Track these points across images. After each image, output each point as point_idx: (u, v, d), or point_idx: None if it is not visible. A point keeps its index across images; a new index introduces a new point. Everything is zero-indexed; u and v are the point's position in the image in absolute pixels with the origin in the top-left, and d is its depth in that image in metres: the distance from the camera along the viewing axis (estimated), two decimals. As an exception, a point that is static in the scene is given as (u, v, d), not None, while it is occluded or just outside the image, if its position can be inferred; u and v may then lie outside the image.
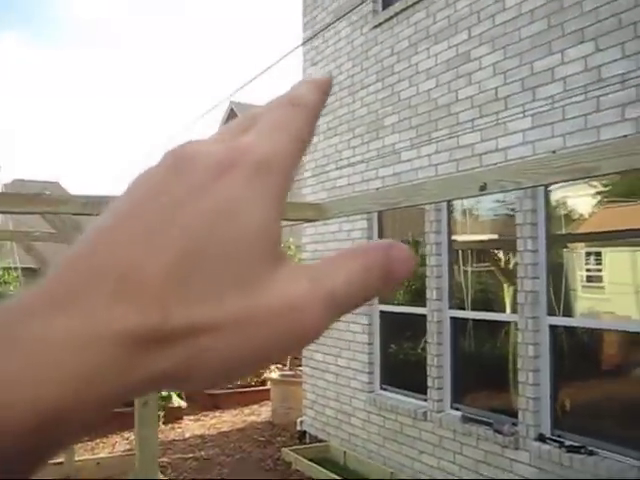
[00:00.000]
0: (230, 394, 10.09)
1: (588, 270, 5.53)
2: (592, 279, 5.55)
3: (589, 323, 5.26)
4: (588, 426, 5.02)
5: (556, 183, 3.57)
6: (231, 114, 18.65)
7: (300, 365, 9.03)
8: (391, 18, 6.89)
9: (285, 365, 10.46)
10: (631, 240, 5.02)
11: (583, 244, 5.50)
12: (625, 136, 4.48)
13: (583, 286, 5.52)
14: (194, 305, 0.23)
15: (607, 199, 5.31)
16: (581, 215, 5.51)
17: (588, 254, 5.54)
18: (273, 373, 9.96)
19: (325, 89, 0.30)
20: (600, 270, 5.48)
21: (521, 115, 5.35)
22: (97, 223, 0.25)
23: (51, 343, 0.22)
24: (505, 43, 5.55)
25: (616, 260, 5.43)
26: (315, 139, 8.12)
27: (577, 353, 5.39)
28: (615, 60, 4.65)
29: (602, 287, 5.49)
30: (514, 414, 5.43)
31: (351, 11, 7.19)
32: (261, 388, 10.31)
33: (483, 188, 2.73)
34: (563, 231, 5.47)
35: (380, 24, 7.06)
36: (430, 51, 6.39)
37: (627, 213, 5.23)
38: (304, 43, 8.28)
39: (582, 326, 5.31)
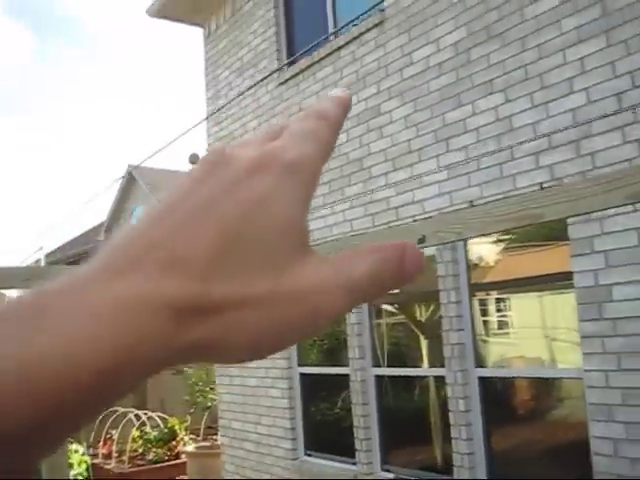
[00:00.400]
0: (141, 471, 9.43)
1: (501, 317, 5.54)
2: (507, 325, 5.56)
3: (519, 372, 5.22)
4: (527, 477, 4.91)
5: (501, 232, 3.49)
6: (129, 178, 18.16)
7: (216, 435, 8.58)
8: (297, 74, 6.85)
9: (199, 436, 9.94)
10: (538, 286, 5.08)
11: (496, 291, 5.51)
12: (541, 184, 4.52)
13: (500, 333, 5.51)
14: (231, 281, 0.26)
15: (512, 246, 5.34)
16: (495, 263, 5.53)
17: (499, 300, 5.56)
18: (188, 446, 9.43)
19: (346, 105, 0.34)
20: (509, 316, 5.51)
21: (436, 167, 5.34)
22: (149, 209, 0.28)
23: (110, 305, 0.24)
24: (415, 96, 5.57)
25: (526, 305, 5.46)
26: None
27: (508, 403, 5.31)
28: (524, 110, 4.72)
29: (517, 332, 5.50)
30: (449, 471, 5.26)
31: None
32: (176, 462, 9.69)
33: (422, 240, 2.57)
34: (481, 280, 5.45)
35: (286, 80, 7.01)
36: (339, 106, 6.34)
37: (529, 259, 5.30)
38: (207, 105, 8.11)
39: (511, 376, 5.26)
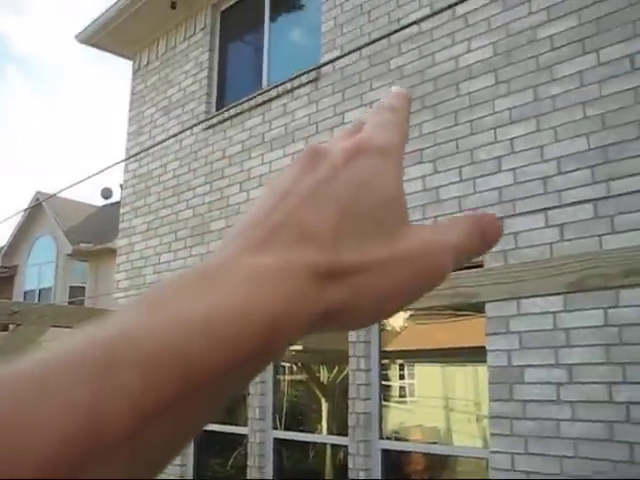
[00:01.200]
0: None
1: (408, 386, 5.47)
2: (413, 396, 5.49)
3: (425, 448, 5.10)
4: None
5: (433, 309, 3.38)
6: (36, 206, 17.41)
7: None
8: (225, 120, 6.71)
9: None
10: (452, 358, 5.04)
11: (410, 360, 5.45)
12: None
13: (407, 404, 5.44)
14: (355, 249, 0.29)
15: (428, 314, 5.30)
16: (409, 331, 5.46)
17: (411, 369, 5.50)
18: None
19: (409, 98, 0.38)
20: (417, 387, 5.46)
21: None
22: (259, 200, 0.31)
23: (260, 273, 0.26)
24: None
25: (438, 378, 5.42)
26: (133, 239, 7.58)
27: (411, 477, 5.17)
28: (452, 183, 4.73)
29: (426, 405, 5.43)
30: None
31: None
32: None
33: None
34: (393, 347, 5.35)
35: (213, 125, 6.85)
36: (264, 157, 6.23)
37: (446, 329, 5.27)
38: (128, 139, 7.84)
39: (416, 451, 5.13)
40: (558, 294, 3.21)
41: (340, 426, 5.37)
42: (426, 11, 5.11)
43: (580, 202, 4.00)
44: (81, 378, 0.21)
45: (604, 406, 3.73)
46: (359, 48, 4.82)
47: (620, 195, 3.86)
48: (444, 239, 0.32)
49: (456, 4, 4.36)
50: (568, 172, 4.10)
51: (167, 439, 0.23)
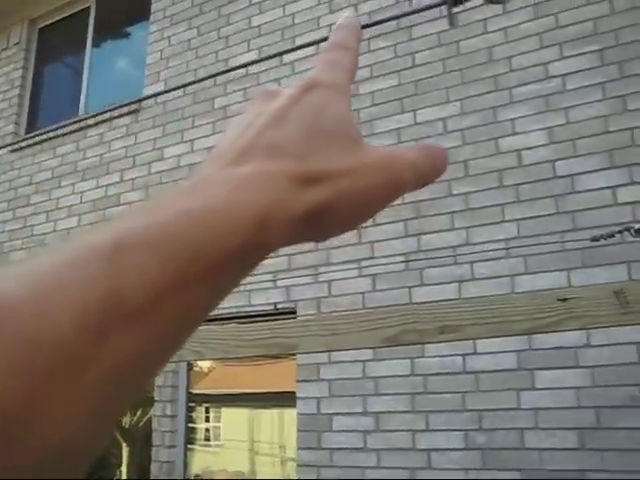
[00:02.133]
0: None
1: (209, 428, 5.33)
2: (214, 437, 5.36)
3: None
4: None
5: (248, 357, 3.24)
6: None
7: None
8: (35, 144, 6.26)
9: None
10: (262, 403, 4.99)
11: (219, 405, 5.32)
12: (275, 304, 4.47)
13: (213, 450, 5.29)
14: (324, 158, 0.31)
15: (240, 357, 5.22)
16: (219, 373, 5.35)
17: (207, 410, 5.37)
18: None
19: (358, 29, 0.40)
20: (222, 431, 5.35)
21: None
22: (227, 131, 0.34)
23: (242, 179, 0.28)
24: (159, 192, 5.33)
25: (247, 422, 5.34)
26: None
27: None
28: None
29: (222, 445, 5.32)
30: None
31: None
32: None
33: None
34: (201, 390, 5.19)
35: (21, 149, 6.37)
36: (75, 187, 5.88)
37: (257, 372, 5.23)
38: None
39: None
40: (374, 348, 3.28)
41: (142, 473, 5.09)
42: (253, 54, 5.13)
43: (392, 255, 4.14)
44: (95, 258, 0.22)
45: (407, 453, 3.82)
46: (184, 85, 4.71)
47: (429, 250, 4.04)
48: (403, 154, 0.34)
49: (283, 53, 4.41)
50: (382, 224, 4.23)
51: (176, 323, 0.24)
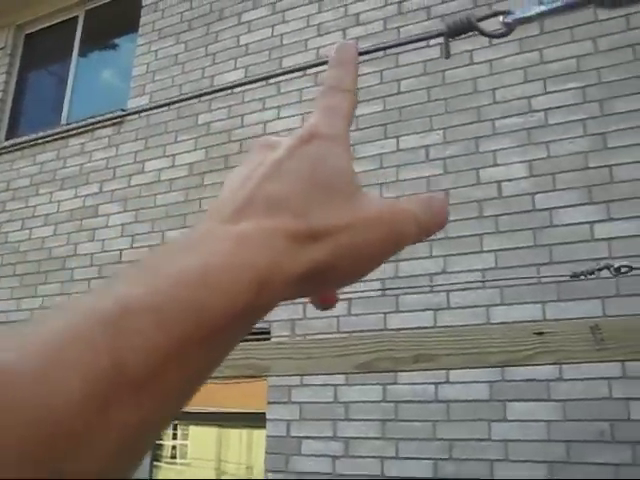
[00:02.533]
0: None
1: (175, 446, 5.27)
2: (180, 455, 5.29)
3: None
4: None
5: (228, 379, 3.21)
6: None
7: None
8: (15, 150, 6.20)
9: None
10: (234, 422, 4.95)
11: (178, 420, 5.26)
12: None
13: (174, 462, 5.22)
14: (324, 214, 0.30)
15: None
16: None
17: (175, 427, 5.31)
18: None
19: (355, 56, 0.40)
20: (187, 446, 5.28)
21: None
22: (222, 189, 0.33)
23: (242, 237, 0.27)
24: (138, 206, 5.29)
25: (206, 437, 5.28)
26: None
27: None
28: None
29: (188, 463, 5.26)
30: None
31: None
32: None
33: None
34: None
35: (0, 154, 6.29)
36: (53, 196, 5.82)
37: (228, 391, 5.18)
38: None
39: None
40: (347, 374, 3.26)
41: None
42: (240, 73, 5.14)
43: (369, 280, 4.13)
44: (98, 324, 0.22)
45: (375, 481, 3.79)
46: (168, 104, 4.70)
47: (406, 276, 4.04)
48: (406, 207, 0.34)
49: (269, 77, 4.43)
50: (361, 248, 4.23)
51: (177, 390, 0.23)
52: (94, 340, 0.21)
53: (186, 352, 0.23)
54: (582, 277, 1.37)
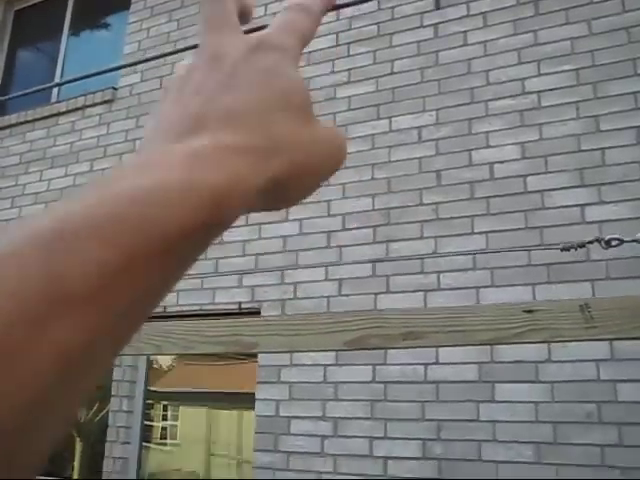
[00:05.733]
0: None
1: (165, 427, 5.27)
2: (170, 436, 5.29)
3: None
4: None
5: (208, 355, 3.17)
6: None
7: None
8: (4, 128, 6.14)
9: None
10: (222, 403, 4.95)
11: (168, 401, 5.26)
12: (240, 303, 4.43)
13: (168, 448, 5.23)
14: (281, 128, 0.30)
15: (200, 354, 5.17)
16: (179, 371, 5.28)
17: (165, 408, 5.30)
18: None
19: (328, 3, 0.38)
20: (179, 429, 5.29)
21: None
22: (166, 101, 0.32)
23: (197, 154, 0.27)
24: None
25: (196, 417, 5.29)
26: None
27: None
28: (237, 226, 4.68)
29: (178, 444, 5.26)
30: None
31: None
32: None
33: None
34: (159, 388, 5.12)
35: (-10, 132, 6.24)
36: (43, 174, 5.78)
37: (217, 372, 5.18)
38: None
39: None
40: (335, 351, 3.25)
41: (95, 470, 5.00)
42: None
43: (360, 261, 4.13)
44: (34, 246, 0.21)
45: (364, 460, 3.81)
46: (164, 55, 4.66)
47: (397, 257, 4.04)
48: (342, 134, 0.35)
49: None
50: (351, 229, 4.22)
51: (126, 308, 0.23)
52: (29, 263, 0.20)
53: (135, 267, 0.22)
54: (572, 250, 1.36)
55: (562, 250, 1.42)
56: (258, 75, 0.31)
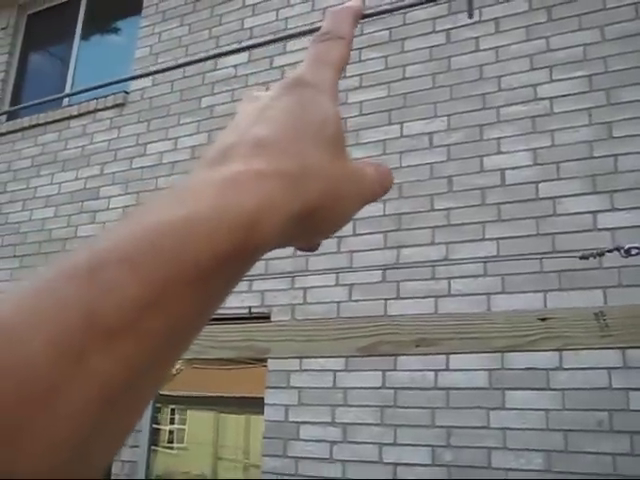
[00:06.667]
0: None
1: (172, 430, 5.27)
2: (178, 440, 5.29)
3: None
4: None
5: (221, 360, 3.15)
6: None
7: None
8: (16, 131, 6.17)
9: None
10: (231, 408, 4.95)
11: (176, 405, 5.26)
12: (250, 307, 4.44)
13: (175, 451, 5.23)
14: (314, 156, 0.30)
15: (208, 358, 5.16)
16: (186, 374, 5.27)
17: (173, 411, 5.30)
18: None
19: (357, 17, 0.39)
20: (187, 433, 5.29)
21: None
22: (219, 136, 0.32)
23: (230, 180, 0.26)
24: (140, 188, 5.27)
25: (204, 421, 5.29)
26: None
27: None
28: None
29: (185, 448, 5.26)
30: None
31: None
32: None
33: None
34: (167, 391, 5.12)
35: (2, 135, 6.27)
36: (54, 177, 5.80)
37: (226, 376, 5.18)
38: None
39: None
40: (348, 357, 3.25)
41: (103, 474, 4.99)
42: (244, 56, 5.11)
43: (371, 266, 4.12)
44: (71, 280, 0.21)
45: (373, 466, 3.79)
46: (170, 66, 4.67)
47: (408, 263, 4.03)
48: (368, 169, 0.35)
49: (282, 39, 4.39)
50: (362, 234, 4.21)
51: (162, 338, 0.23)
52: (66, 296, 0.21)
53: (167, 298, 0.22)
54: (592, 258, 1.35)
55: (581, 258, 1.42)
56: (291, 107, 0.32)
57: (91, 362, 0.20)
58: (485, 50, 4.25)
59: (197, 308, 0.24)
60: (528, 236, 3.77)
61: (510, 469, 3.48)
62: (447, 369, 3.73)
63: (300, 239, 0.32)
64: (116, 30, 6.87)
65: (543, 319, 1.66)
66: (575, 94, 3.91)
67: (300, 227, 0.29)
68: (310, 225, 0.30)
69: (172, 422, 5.31)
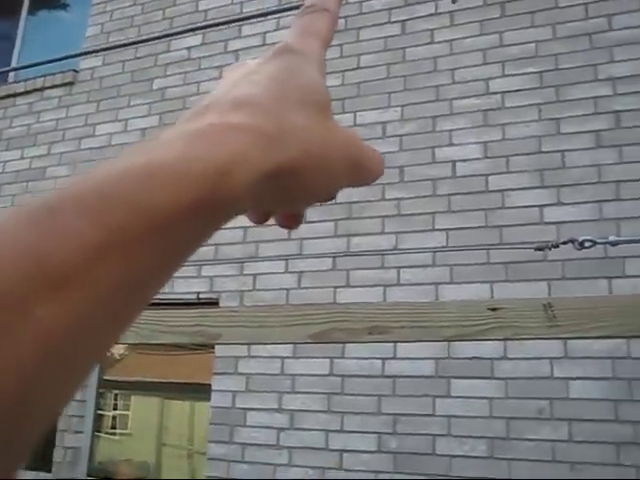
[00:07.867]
0: None
1: (116, 416, 5.20)
2: (121, 425, 5.23)
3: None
4: None
5: (170, 345, 3.10)
6: None
7: None
8: (-42, 108, 5.97)
9: None
10: (175, 393, 4.92)
11: (120, 390, 5.19)
12: (198, 293, 4.41)
13: (114, 433, 5.16)
14: (297, 119, 0.29)
15: (155, 343, 5.12)
16: (133, 360, 5.22)
17: (116, 397, 5.24)
18: None
19: None
20: (133, 419, 5.23)
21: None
22: (212, 91, 0.32)
23: (201, 132, 0.26)
24: (87, 169, 5.14)
25: (148, 407, 5.24)
26: None
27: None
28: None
29: (129, 434, 5.20)
30: None
31: None
32: None
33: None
34: (113, 377, 5.06)
35: (-58, 111, 6.06)
36: (-2, 156, 5.64)
37: (174, 362, 5.14)
38: None
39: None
40: (300, 344, 3.25)
41: (44, 461, 4.91)
42: (198, 39, 5.04)
43: (321, 254, 4.13)
44: (25, 225, 0.21)
45: (320, 452, 3.82)
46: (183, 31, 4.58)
47: (358, 252, 4.05)
48: (361, 144, 0.33)
49: (245, 18, 4.35)
50: (313, 222, 4.22)
51: (117, 289, 0.22)
52: (18, 242, 0.20)
53: (125, 246, 0.22)
54: (547, 250, 1.39)
55: (536, 250, 1.45)
56: (278, 72, 0.31)
57: (36, 310, 0.19)
58: (440, 42, 4.29)
59: (157, 260, 0.23)
60: (477, 227, 3.84)
61: (454, 456, 3.55)
62: (394, 357, 3.77)
63: (278, 202, 0.30)
64: (65, 6, 6.69)
65: (493, 309, 1.69)
66: (526, 89, 3.99)
67: (277, 188, 0.28)
68: (290, 187, 0.29)
69: (115, 408, 5.25)
